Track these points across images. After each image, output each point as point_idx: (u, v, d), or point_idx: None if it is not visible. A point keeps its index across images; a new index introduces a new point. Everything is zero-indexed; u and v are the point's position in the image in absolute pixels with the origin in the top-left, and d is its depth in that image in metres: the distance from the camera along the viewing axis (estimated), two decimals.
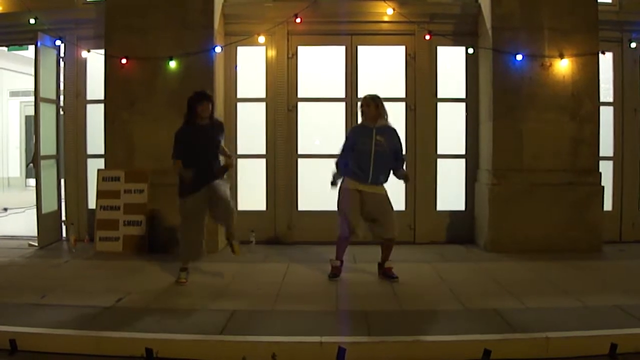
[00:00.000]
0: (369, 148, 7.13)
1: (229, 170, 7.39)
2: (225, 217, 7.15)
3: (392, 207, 7.37)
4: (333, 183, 7.40)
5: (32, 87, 9.37)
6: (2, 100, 19.32)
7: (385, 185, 7.37)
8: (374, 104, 7.23)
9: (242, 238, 7.21)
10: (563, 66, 9.04)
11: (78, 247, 9.16)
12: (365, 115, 7.28)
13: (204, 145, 7.08)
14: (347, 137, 7.55)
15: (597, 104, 9.32)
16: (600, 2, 9.32)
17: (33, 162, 9.68)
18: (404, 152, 7.53)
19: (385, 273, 7.39)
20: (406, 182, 7.66)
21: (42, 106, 9.37)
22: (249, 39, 9.52)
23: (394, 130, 7.40)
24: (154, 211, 8.92)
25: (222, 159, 7.37)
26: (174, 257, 7.43)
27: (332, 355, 4.89)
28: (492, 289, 6.88)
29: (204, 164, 7.00)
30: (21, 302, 6.14)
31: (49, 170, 9.68)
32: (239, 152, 9.66)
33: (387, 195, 7.35)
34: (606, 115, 9.76)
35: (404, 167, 7.53)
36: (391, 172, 7.35)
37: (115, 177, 9.09)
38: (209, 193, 7.02)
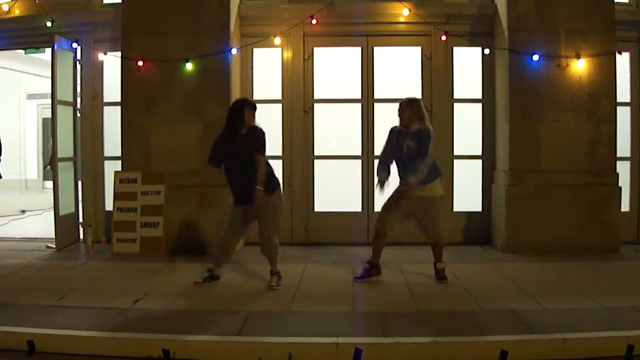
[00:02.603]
0: (401, 154, 7.11)
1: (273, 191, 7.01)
2: (265, 251, 7.08)
3: (438, 211, 7.27)
4: (380, 185, 7.21)
5: (49, 90, 9.41)
6: (20, 103, 19.40)
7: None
8: (408, 109, 7.13)
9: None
10: (580, 66, 8.98)
11: (95, 248, 9.22)
12: (400, 120, 7.21)
13: (236, 159, 6.90)
14: (386, 139, 7.34)
15: (614, 104, 9.25)
16: (617, 2, 9.26)
17: (50, 165, 9.69)
18: (428, 154, 7.05)
19: (436, 273, 7.34)
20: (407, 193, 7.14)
21: (59, 109, 9.41)
22: (265, 41, 9.51)
23: (424, 132, 7.07)
24: (171, 212, 8.92)
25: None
26: (190, 259, 7.44)
27: (348, 356, 4.90)
28: (508, 290, 6.86)
29: (241, 178, 6.86)
30: (39, 304, 6.19)
31: (66, 172, 9.72)
32: None
33: (435, 197, 7.21)
34: (623, 116, 9.69)
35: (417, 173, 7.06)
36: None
37: (132, 178, 9.09)
38: (256, 214, 6.92)
